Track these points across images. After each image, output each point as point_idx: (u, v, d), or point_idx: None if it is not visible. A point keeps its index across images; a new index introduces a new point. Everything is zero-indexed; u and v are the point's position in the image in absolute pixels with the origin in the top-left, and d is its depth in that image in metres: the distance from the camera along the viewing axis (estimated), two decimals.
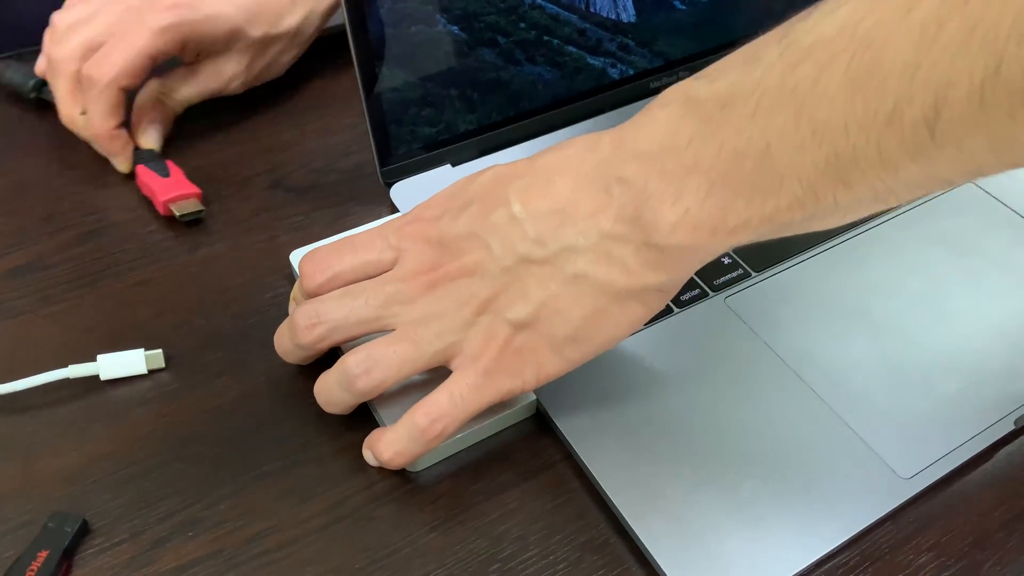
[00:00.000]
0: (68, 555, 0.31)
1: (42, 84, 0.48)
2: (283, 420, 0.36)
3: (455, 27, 0.42)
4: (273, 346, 0.37)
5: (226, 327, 0.39)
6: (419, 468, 0.35)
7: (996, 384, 0.37)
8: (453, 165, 0.46)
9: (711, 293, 0.40)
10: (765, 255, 0.42)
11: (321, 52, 0.53)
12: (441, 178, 0.45)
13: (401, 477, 0.34)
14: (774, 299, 0.40)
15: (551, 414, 0.35)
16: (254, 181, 0.46)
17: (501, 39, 0.44)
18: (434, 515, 0.33)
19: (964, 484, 0.35)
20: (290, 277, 0.41)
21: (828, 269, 0.41)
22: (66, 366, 0.36)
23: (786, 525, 0.32)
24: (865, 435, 0.35)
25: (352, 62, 0.40)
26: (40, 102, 0.49)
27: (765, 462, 0.34)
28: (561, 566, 0.32)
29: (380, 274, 0.34)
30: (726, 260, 0.41)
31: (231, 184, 0.46)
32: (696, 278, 0.40)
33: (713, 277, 0.41)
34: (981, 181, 0.46)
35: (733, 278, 0.41)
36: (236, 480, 0.34)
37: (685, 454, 0.34)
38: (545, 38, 0.45)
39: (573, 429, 0.35)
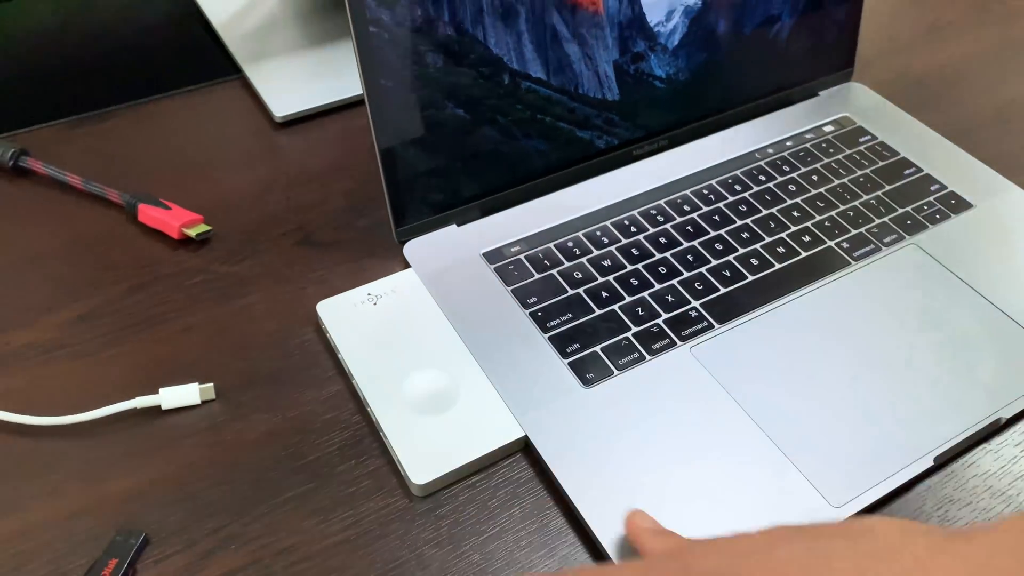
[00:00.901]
0: (132, 564, 0.38)
1: (21, 152, 0.55)
2: (308, 452, 0.42)
3: (460, 110, 0.49)
4: (300, 386, 0.44)
5: (262, 369, 0.46)
6: (425, 493, 0.41)
7: (920, 426, 0.43)
8: (458, 225, 0.52)
9: (679, 343, 0.46)
10: (727, 309, 0.48)
11: (343, 123, 0.60)
12: (448, 237, 0.51)
13: (408, 500, 0.41)
14: (734, 349, 0.46)
15: (538, 448, 0.41)
16: (285, 238, 0.53)
17: (501, 118, 0.50)
18: (436, 533, 0.40)
19: (886, 512, 0.41)
20: (315, 325, 0.48)
21: (783, 321, 0.47)
22: (132, 398, 0.43)
23: None
24: (804, 468, 0.41)
25: (370, 133, 0.47)
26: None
27: (716, 491, 0.40)
28: None
29: None
30: (693, 313, 0.48)
31: (265, 240, 0.53)
32: (666, 328, 0.47)
33: (681, 329, 0.47)
34: (928, 245, 0.52)
35: (698, 329, 0.47)
36: (269, 502, 0.40)
37: (649, 480, 0.40)
38: (539, 116, 0.52)
39: (555, 459, 0.41)
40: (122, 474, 0.41)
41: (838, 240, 0.52)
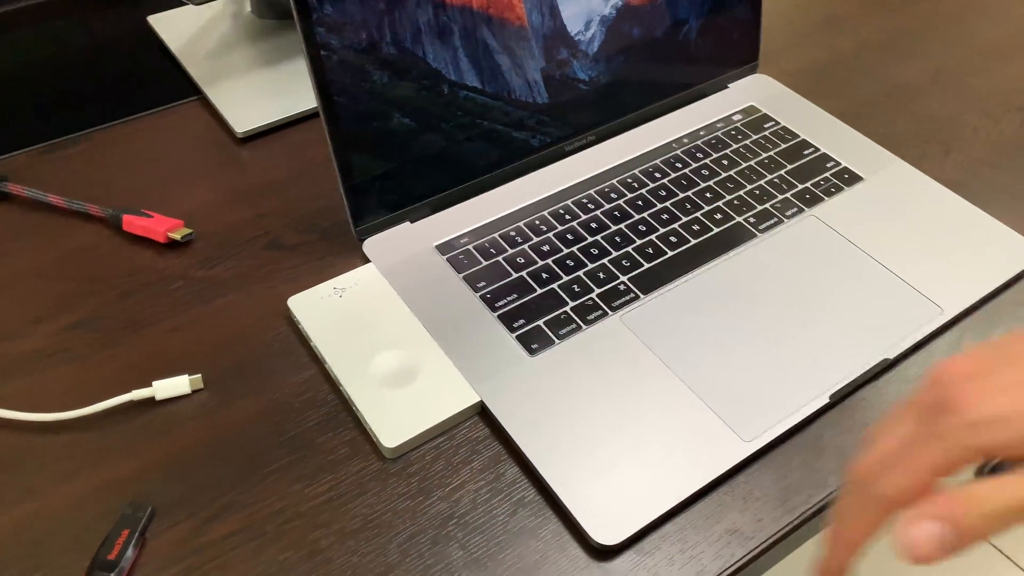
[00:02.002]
0: (143, 533, 0.43)
1: (1, 178, 0.61)
2: (290, 428, 0.48)
3: (407, 119, 0.55)
4: (279, 373, 0.50)
5: (243, 360, 0.51)
6: (396, 455, 0.47)
7: (818, 370, 0.50)
8: (412, 222, 0.58)
9: (610, 313, 0.53)
10: (651, 281, 0.55)
11: (301, 135, 0.66)
12: (403, 233, 0.58)
13: (381, 462, 0.47)
14: (658, 314, 0.53)
15: (492, 410, 0.48)
16: (254, 242, 0.59)
17: (444, 124, 0.57)
18: (408, 488, 0.46)
19: (787, 446, 0.48)
20: (288, 319, 0.54)
21: (699, 289, 0.54)
22: (128, 392, 0.48)
23: (654, 475, 0.45)
24: (719, 410, 0.48)
25: (327, 144, 0.53)
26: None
27: (644, 432, 0.47)
28: (500, 518, 0.45)
29: None
30: (621, 287, 0.55)
31: (237, 246, 0.58)
32: (599, 301, 0.53)
33: (612, 300, 0.54)
34: (825, 215, 0.59)
35: (626, 300, 0.54)
36: (259, 472, 0.46)
37: (588, 428, 0.47)
38: (477, 121, 0.58)
39: (507, 418, 0.47)
40: (126, 459, 0.46)
41: (745, 216, 0.59)
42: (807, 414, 0.48)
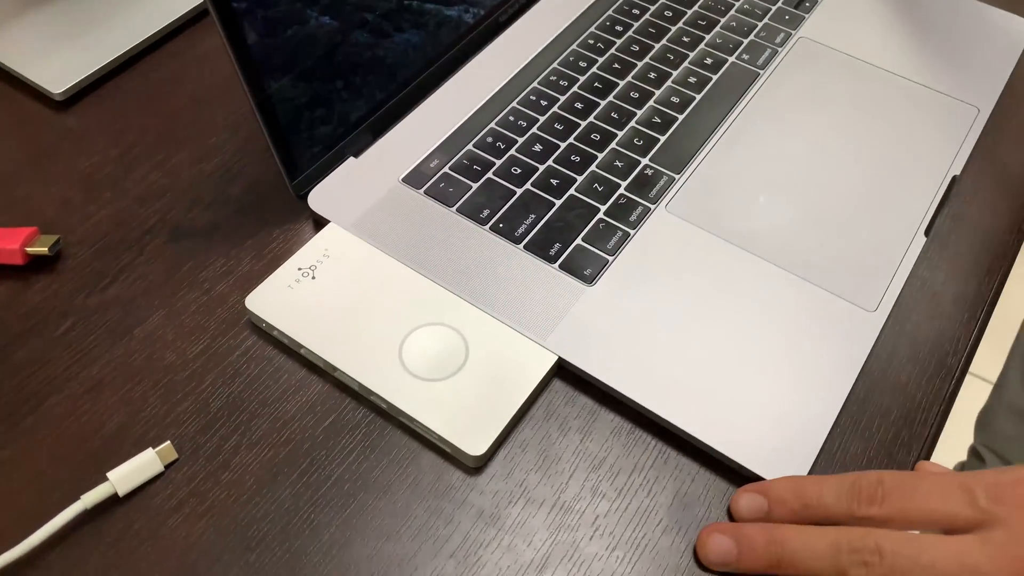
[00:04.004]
0: None
1: None
2: (326, 473, 0.35)
3: (326, 17, 0.40)
4: (272, 403, 0.35)
5: (214, 402, 0.36)
6: (482, 462, 0.35)
7: (899, 205, 0.43)
8: (355, 156, 0.44)
9: (652, 206, 0.43)
10: (677, 156, 0.45)
11: (138, 79, 0.48)
12: (351, 174, 0.43)
13: (468, 475, 0.35)
14: (704, 192, 0.43)
15: (576, 364, 0.37)
16: (151, 237, 0.42)
17: (369, 16, 0.42)
18: (512, 492, 0.34)
19: (903, 298, 0.41)
20: (251, 326, 0.39)
21: (730, 152, 0.45)
22: (77, 498, 0.32)
23: (796, 384, 0.37)
24: (824, 283, 0.40)
25: (237, 77, 0.37)
26: None
27: (757, 334, 0.38)
28: (654, 497, 0.35)
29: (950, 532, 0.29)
30: (648, 171, 0.44)
31: (126, 249, 0.41)
32: (632, 195, 0.43)
33: (647, 191, 0.43)
34: (814, 34, 0.52)
35: (662, 186, 0.44)
36: (313, 547, 0.33)
37: (692, 348, 0.37)
38: (405, 3, 0.44)
39: (598, 368, 0.37)
40: None
41: (738, 54, 0.50)
42: (913, 259, 0.41)
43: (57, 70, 0.47)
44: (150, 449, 0.34)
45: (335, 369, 0.36)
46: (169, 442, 0.34)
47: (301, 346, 0.37)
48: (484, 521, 0.34)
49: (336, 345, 0.37)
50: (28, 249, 0.39)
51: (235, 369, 0.37)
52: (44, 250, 0.39)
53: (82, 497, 0.32)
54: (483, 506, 0.34)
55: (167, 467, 0.34)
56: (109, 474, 0.33)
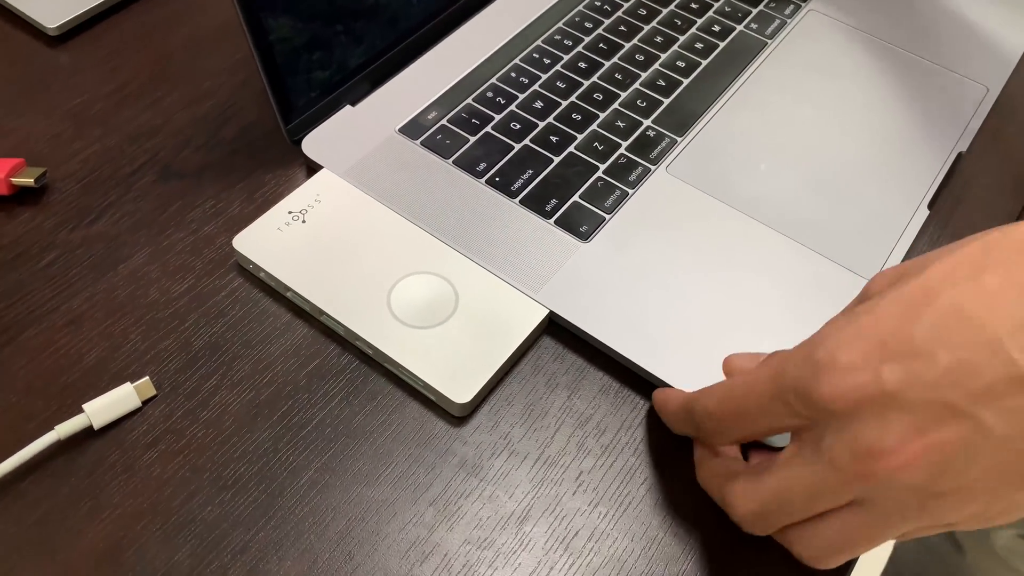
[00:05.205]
0: None
1: None
2: (307, 415, 0.34)
3: None
4: (255, 345, 0.35)
5: (196, 340, 0.36)
6: (467, 411, 0.34)
7: (906, 176, 0.42)
8: (352, 104, 0.43)
9: (652, 167, 0.42)
10: (680, 118, 0.44)
11: (136, 20, 0.47)
12: (347, 122, 0.42)
13: (452, 427, 0.34)
14: (706, 154, 0.43)
15: (567, 318, 0.36)
16: (140, 175, 0.41)
17: None
18: (496, 443, 0.34)
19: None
20: (238, 267, 0.38)
21: (734, 117, 0.44)
22: (51, 428, 0.31)
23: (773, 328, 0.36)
24: (824, 250, 0.39)
25: (236, 13, 0.36)
26: None
27: (752, 299, 0.37)
28: (644, 453, 0.34)
29: None
30: (651, 133, 0.43)
31: (114, 187, 0.40)
32: (632, 155, 0.42)
33: (647, 152, 0.42)
34: (824, 7, 0.51)
35: (664, 148, 0.43)
36: (290, 491, 0.32)
37: (682, 307, 0.36)
38: None
39: (589, 322, 0.36)
40: (82, 531, 0.30)
41: (746, 23, 0.49)
42: (915, 232, 0.41)
43: (53, 5, 0.46)
44: (128, 383, 0.33)
45: (321, 313, 0.36)
46: (148, 377, 0.34)
47: (288, 288, 0.36)
48: (466, 471, 0.33)
49: (324, 289, 0.36)
50: (13, 180, 0.38)
51: (219, 310, 0.37)
52: (30, 181, 0.38)
53: (56, 427, 0.32)
54: (466, 456, 0.33)
55: (145, 403, 0.33)
56: (85, 406, 0.32)
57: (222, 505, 0.31)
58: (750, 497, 0.28)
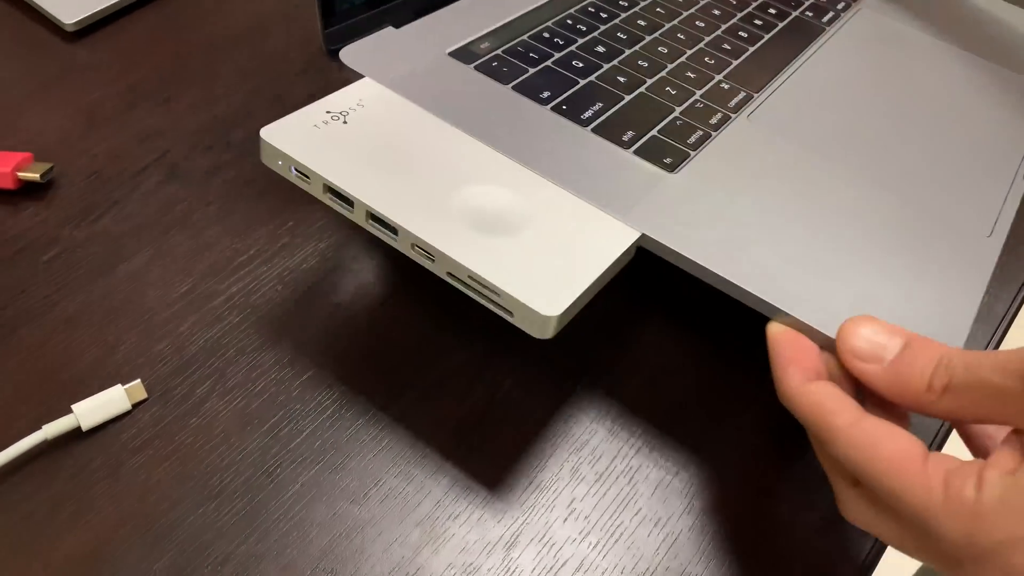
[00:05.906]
0: None
1: None
2: (307, 423, 0.33)
3: None
4: (250, 355, 0.34)
5: (191, 344, 0.35)
6: (556, 331, 0.30)
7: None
8: (396, 27, 0.41)
9: (732, 115, 0.40)
10: (749, 77, 0.43)
11: (150, 22, 0.47)
12: (390, 41, 0.39)
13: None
14: (787, 110, 0.42)
15: (662, 242, 0.33)
16: (147, 174, 0.41)
17: None
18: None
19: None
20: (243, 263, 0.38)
21: (811, 82, 0.44)
22: (38, 428, 0.31)
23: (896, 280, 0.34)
24: (924, 197, 0.38)
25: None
26: None
27: (850, 245, 0.35)
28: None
29: None
30: (724, 86, 0.42)
31: (120, 185, 0.40)
32: (710, 103, 0.41)
33: (725, 100, 0.41)
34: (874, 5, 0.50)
35: (741, 100, 0.42)
36: (281, 493, 0.32)
37: (784, 240, 0.34)
38: None
39: (688, 246, 0.33)
40: (62, 535, 0.30)
41: (802, 10, 0.50)
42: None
43: (71, 1, 0.47)
44: (119, 385, 0.33)
45: (369, 216, 0.30)
46: (139, 380, 0.33)
47: (330, 186, 0.31)
48: (456, 492, 0.32)
49: (373, 187, 0.31)
50: (20, 174, 0.38)
51: (216, 315, 0.36)
52: (36, 176, 0.38)
53: (44, 427, 0.31)
54: (456, 476, 0.33)
55: (135, 406, 0.33)
56: (74, 406, 0.32)
57: (205, 515, 0.31)
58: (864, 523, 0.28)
